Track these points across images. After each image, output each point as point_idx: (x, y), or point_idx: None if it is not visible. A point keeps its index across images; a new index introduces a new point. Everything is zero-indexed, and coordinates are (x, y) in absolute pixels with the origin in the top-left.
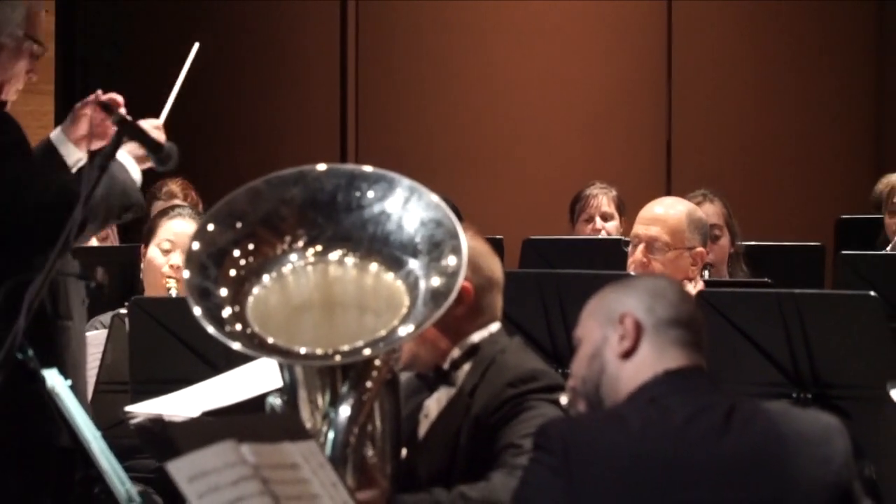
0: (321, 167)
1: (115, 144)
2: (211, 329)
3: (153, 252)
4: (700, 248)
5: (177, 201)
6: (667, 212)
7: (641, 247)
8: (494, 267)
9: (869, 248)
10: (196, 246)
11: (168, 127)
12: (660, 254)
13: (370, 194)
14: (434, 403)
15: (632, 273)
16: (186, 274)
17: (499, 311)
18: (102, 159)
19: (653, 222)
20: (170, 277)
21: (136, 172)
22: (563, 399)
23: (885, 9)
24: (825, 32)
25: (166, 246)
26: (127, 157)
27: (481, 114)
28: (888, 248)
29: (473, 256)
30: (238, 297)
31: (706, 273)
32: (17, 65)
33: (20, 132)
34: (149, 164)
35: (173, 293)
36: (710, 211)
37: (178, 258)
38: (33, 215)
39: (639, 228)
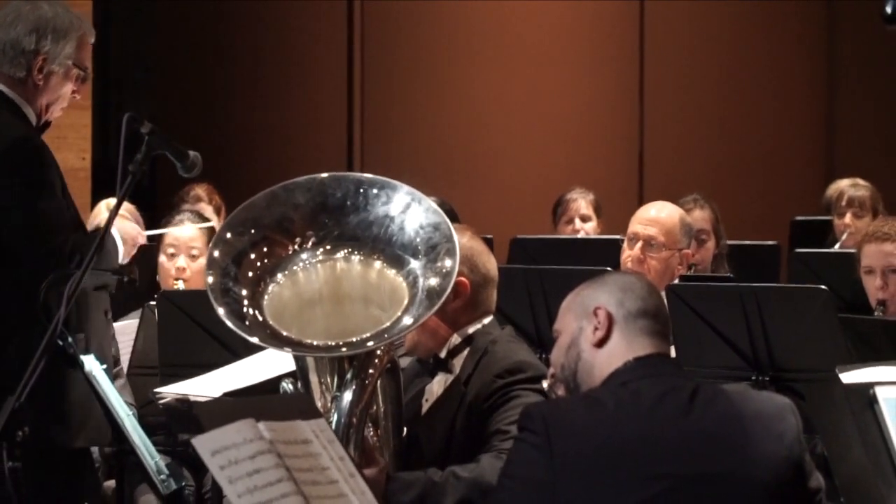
0: (329, 175)
1: (147, 153)
2: (231, 324)
3: (162, 258)
4: (687, 251)
5: (202, 204)
6: (663, 215)
7: (640, 244)
8: (490, 265)
9: (820, 247)
10: (216, 252)
11: (193, 137)
12: (655, 252)
13: (375, 199)
14: (435, 388)
15: (628, 266)
16: (210, 279)
17: (493, 305)
18: (135, 166)
19: (651, 223)
20: (177, 279)
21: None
22: (545, 384)
23: (835, 22)
24: (778, 51)
25: (171, 251)
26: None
27: (473, 126)
28: (836, 247)
29: (471, 255)
30: (255, 294)
31: (691, 271)
32: (63, 88)
33: (53, 171)
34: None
35: None
36: (699, 216)
37: (182, 261)
38: (42, 250)
39: (637, 227)
